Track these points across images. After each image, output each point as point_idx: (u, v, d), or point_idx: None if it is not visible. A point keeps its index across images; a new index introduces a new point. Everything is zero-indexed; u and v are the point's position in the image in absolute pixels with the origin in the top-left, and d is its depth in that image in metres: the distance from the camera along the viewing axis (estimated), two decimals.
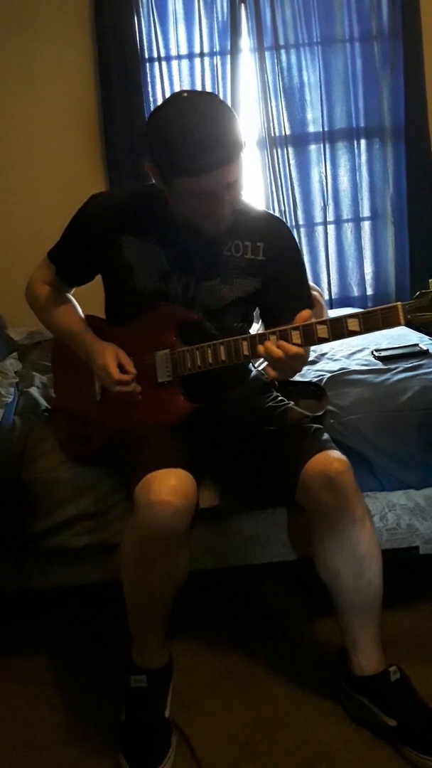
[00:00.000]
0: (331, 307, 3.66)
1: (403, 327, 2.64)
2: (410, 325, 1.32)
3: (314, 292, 3.28)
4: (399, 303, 1.31)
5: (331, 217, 3.75)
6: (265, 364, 1.47)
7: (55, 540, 1.73)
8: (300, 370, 1.61)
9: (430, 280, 1.29)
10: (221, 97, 3.48)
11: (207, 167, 1.37)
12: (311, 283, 3.62)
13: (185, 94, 1.43)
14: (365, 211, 3.78)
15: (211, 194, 1.42)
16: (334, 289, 3.81)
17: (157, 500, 1.36)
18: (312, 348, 2.46)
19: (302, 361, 1.44)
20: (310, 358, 2.35)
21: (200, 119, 1.36)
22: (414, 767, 1.40)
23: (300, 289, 1.66)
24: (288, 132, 3.62)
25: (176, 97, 1.43)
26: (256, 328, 1.78)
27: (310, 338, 1.38)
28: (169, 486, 1.38)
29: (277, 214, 3.59)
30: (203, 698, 1.64)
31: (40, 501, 1.72)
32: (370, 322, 1.34)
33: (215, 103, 1.42)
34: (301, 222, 3.72)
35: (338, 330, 1.37)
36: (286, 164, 3.64)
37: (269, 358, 1.39)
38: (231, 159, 1.38)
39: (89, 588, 1.80)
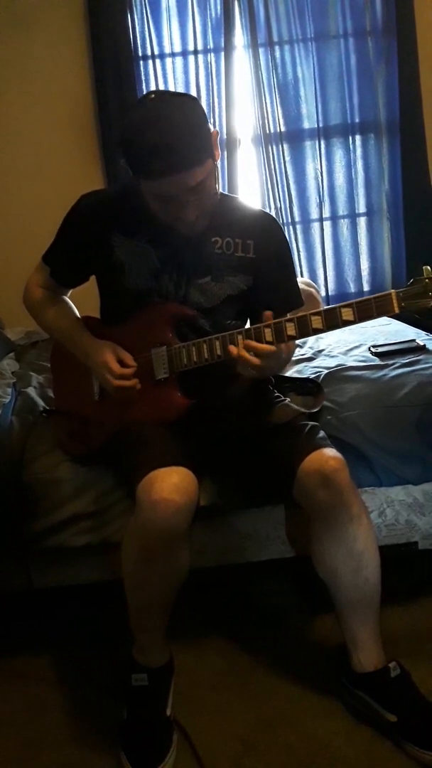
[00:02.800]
0: (328, 304, 3.66)
1: (400, 323, 2.67)
2: (405, 312, 1.32)
3: (311, 289, 3.29)
4: (393, 290, 1.31)
5: (326, 214, 3.76)
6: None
7: (54, 539, 1.73)
8: (281, 368, 1.60)
9: (424, 267, 1.29)
10: (216, 93, 3.53)
11: (161, 172, 1.37)
12: (308, 279, 3.64)
13: (152, 96, 1.42)
14: (361, 207, 3.78)
15: (172, 197, 1.42)
16: (331, 285, 3.82)
17: (160, 498, 1.36)
18: (309, 345, 2.48)
19: (276, 359, 1.45)
20: (307, 355, 2.36)
21: (156, 125, 1.35)
22: (415, 762, 1.41)
23: (288, 287, 1.66)
24: (283, 128, 3.62)
25: (143, 99, 1.43)
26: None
27: (305, 329, 1.38)
28: (171, 484, 1.38)
29: (272, 211, 3.61)
30: (204, 696, 1.64)
31: (40, 501, 1.72)
32: (364, 311, 1.33)
33: (178, 107, 1.39)
34: (297, 219, 3.72)
35: (332, 320, 1.37)
36: (281, 161, 3.64)
37: (241, 362, 1.41)
38: (186, 166, 1.37)
39: (89, 587, 1.80)
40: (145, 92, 3.50)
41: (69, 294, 1.81)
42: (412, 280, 1.31)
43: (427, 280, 1.29)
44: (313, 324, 1.38)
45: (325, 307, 1.38)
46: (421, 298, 1.29)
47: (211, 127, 1.44)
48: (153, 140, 1.34)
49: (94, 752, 1.51)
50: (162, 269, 1.60)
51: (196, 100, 1.45)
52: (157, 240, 1.59)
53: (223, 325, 1.63)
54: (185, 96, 1.46)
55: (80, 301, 1.79)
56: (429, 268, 1.29)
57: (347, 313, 1.35)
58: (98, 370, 1.62)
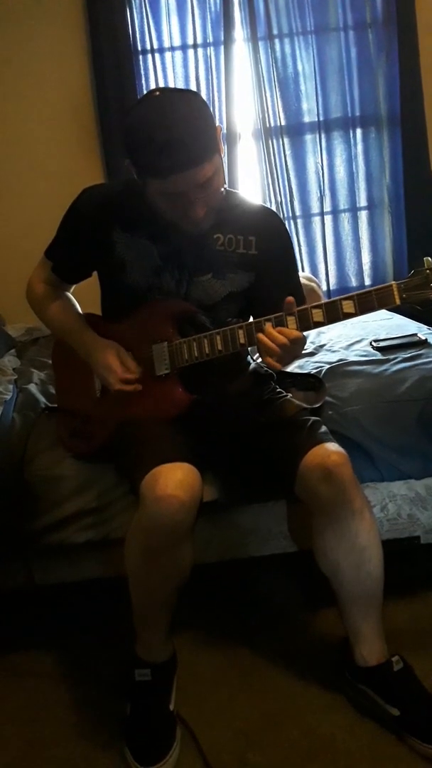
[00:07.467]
0: (329, 298, 3.66)
1: (402, 317, 2.67)
2: (406, 303, 1.31)
3: (312, 284, 3.28)
4: (393, 282, 1.31)
5: (328, 208, 3.75)
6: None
7: (56, 536, 1.73)
8: (299, 357, 1.59)
9: (425, 258, 1.28)
10: (216, 88, 3.52)
11: (171, 169, 1.35)
12: (309, 274, 3.63)
13: (157, 93, 1.40)
14: (362, 201, 3.78)
15: (181, 195, 1.41)
16: (332, 279, 3.82)
17: (164, 494, 1.36)
18: (310, 340, 2.48)
19: (303, 345, 1.44)
20: (308, 350, 2.36)
21: (164, 121, 1.34)
22: (417, 756, 1.41)
23: (290, 283, 1.65)
24: (283, 122, 3.61)
25: (147, 96, 1.41)
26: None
27: (306, 323, 1.38)
28: (175, 480, 1.38)
29: (273, 205, 3.60)
30: (207, 691, 1.64)
31: (41, 498, 1.72)
32: (365, 303, 1.33)
33: (185, 102, 1.38)
34: (298, 213, 3.72)
35: (333, 313, 1.37)
36: (282, 155, 3.63)
37: (270, 345, 1.38)
38: (197, 161, 1.36)
39: (91, 583, 1.81)
40: (144, 86, 3.51)
41: (72, 290, 1.80)
42: (412, 272, 1.30)
43: (428, 271, 1.28)
44: (314, 317, 1.38)
45: (326, 300, 1.38)
46: (422, 290, 1.29)
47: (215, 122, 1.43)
48: (163, 137, 1.33)
49: (98, 748, 1.51)
50: (163, 266, 1.59)
51: (200, 96, 1.43)
52: (159, 236, 1.58)
53: (224, 322, 1.62)
54: (189, 92, 1.44)
55: (82, 297, 1.79)
56: (430, 259, 1.28)
57: (348, 306, 1.35)
58: (100, 371, 1.62)
